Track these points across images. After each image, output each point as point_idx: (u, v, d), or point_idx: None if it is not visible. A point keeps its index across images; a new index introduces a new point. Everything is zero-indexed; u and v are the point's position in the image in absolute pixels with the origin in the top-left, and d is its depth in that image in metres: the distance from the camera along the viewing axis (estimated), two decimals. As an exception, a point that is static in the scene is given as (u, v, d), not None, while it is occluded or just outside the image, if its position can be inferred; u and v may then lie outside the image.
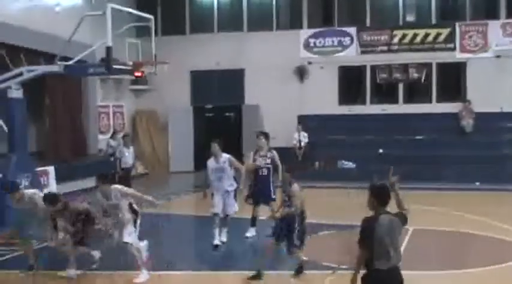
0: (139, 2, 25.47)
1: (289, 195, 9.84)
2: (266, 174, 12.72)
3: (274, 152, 12.90)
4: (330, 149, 23.75)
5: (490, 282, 10.34)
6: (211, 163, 12.16)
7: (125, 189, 10.51)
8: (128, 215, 10.19)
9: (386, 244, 6.17)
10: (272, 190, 12.75)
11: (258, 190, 12.80)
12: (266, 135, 12.98)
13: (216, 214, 12.19)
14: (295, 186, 9.89)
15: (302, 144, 23.87)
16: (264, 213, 12.94)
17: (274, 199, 12.67)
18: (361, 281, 6.32)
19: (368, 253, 6.18)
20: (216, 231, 12.20)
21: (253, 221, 13.03)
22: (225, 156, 12.18)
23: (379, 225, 6.18)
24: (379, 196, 6.38)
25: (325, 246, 12.51)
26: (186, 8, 27.69)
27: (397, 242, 6.32)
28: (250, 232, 13.01)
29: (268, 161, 12.71)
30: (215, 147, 12.10)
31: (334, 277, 10.05)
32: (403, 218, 6.45)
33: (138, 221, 10.39)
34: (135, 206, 10.44)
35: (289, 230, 9.83)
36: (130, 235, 10.11)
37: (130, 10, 17.02)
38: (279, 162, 12.76)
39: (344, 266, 9.85)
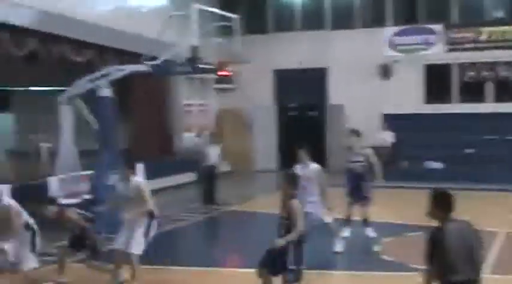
0: (223, 1, 25.71)
1: (288, 211, 8.15)
2: (360, 171, 12.56)
3: (368, 150, 12.73)
4: (415, 149, 23.38)
5: None
6: (298, 170, 11.39)
7: (146, 191, 9.68)
8: (142, 222, 9.55)
9: (458, 256, 5.65)
10: (366, 189, 12.58)
11: (353, 189, 12.67)
12: (357, 133, 12.78)
13: None
14: (296, 202, 8.21)
15: (387, 143, 23.57)
16: (357, 212, 12.86)
17: (367, 198, 12.57)
18: None
19: (438, 269, 5.69)
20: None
21: (348, 221, 12.78)
22: (315, 166, 11.59)
23: (448, 236, 5.69)
24: (444, 204, 5.87)
25: (412, 247, 12.24)
26: (269, 7, 27.82)
27: (472, 252, 5.75)
28: (345, 232, 12.72)
29: (361, 159, 12.54)
30: (303, 154, 11.54)
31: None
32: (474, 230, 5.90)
33: (152, 230, 9.77)
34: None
35: (283, 263, 8.06)
36: (138, 246, 9.52)
37: (214, 10, 17.22)
38: (373, 160, 12.61)
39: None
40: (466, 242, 5.75)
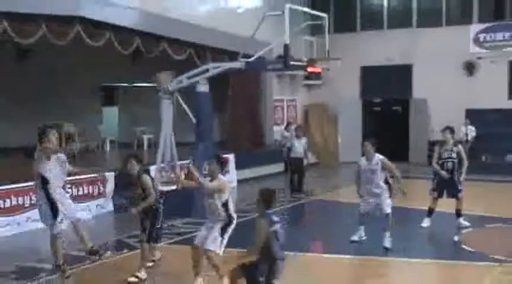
0: (314, 1, 26.56)
1: (256, 229, 7.26)
2: (451, 167, 13.03)
3: (460, 146, 13.21)
4: (498, 143, 23.68)
5: None
6: (362, 162, 11.59)
7: (222, 191, 8.89)
8: (222, 215, 8.88)
9: None
10: (458, 183, 13.05)
11: (443, 184, 13.12)
12: (451, 130, 13.27)
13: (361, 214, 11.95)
14: (262, 222, 7.29)
15: (469, 137, 23.91)
16: (446, 205, 13.35)
17: (460, 191, 13.08)
18: None
19: None
20: (360, 228, 11.97)
21: (430, 213, 13.31)
22: (378, 157, 11.37)
23: None
24: None
25: (491, 239, 12.48)
26: (357, 6, 28.50)
27: None
28: (425, 223, 13.27)
29: (454, 155, 13.00)
30: (367, 146, 11.41)
31: (502, 269, 10.07)
32: None
33: (230, 230, 8.95)
34: (231, 210, 8.98)
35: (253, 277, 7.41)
36: (214, 242, 8.79)
37: (306, 9, 17.95)
38: (464, 156, 13.10)
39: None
40: None
